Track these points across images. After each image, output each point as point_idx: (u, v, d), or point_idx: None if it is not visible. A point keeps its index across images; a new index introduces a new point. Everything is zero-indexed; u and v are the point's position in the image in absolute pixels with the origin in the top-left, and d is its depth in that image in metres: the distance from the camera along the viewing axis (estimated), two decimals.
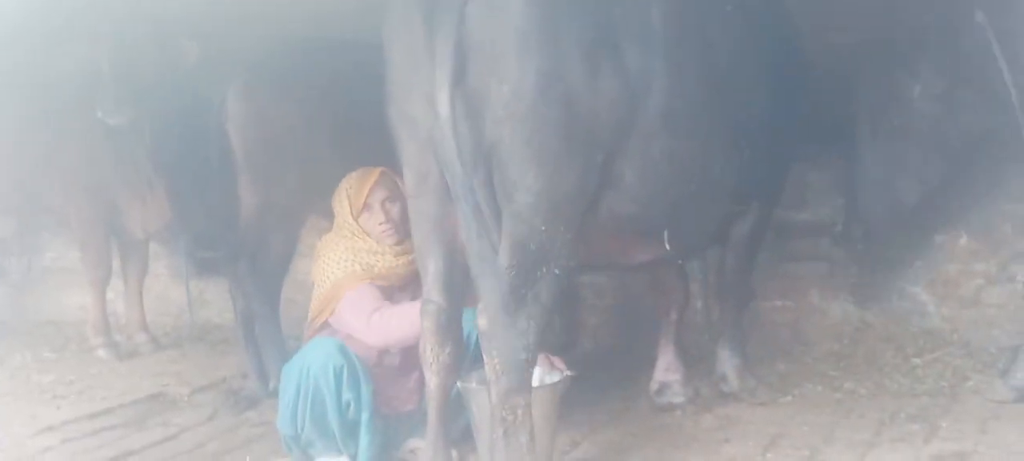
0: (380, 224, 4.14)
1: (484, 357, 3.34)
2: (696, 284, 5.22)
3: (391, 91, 3.50)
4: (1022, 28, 3.96)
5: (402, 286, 4.16)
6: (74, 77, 5.44)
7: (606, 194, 3.45)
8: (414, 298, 3.95)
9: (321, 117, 4.82)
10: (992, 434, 3.96)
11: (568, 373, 3.92)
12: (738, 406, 4.50)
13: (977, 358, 4.88)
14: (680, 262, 4.48)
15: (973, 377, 4.65)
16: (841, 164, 5.13)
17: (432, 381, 3.63)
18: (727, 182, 3.91)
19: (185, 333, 6.44)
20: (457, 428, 3.91)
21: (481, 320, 3.30)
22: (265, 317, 5.00)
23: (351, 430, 3.91)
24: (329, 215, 4.36)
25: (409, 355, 3.98)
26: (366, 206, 4.16)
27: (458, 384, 3.74)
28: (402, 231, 4.10)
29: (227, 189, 4.94)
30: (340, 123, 4.79)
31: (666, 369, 4.57)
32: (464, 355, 3.76)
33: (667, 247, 3.80)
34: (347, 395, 3.86)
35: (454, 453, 3.86)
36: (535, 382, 3.51)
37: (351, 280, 4.07)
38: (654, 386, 4.58)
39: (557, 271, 3.28)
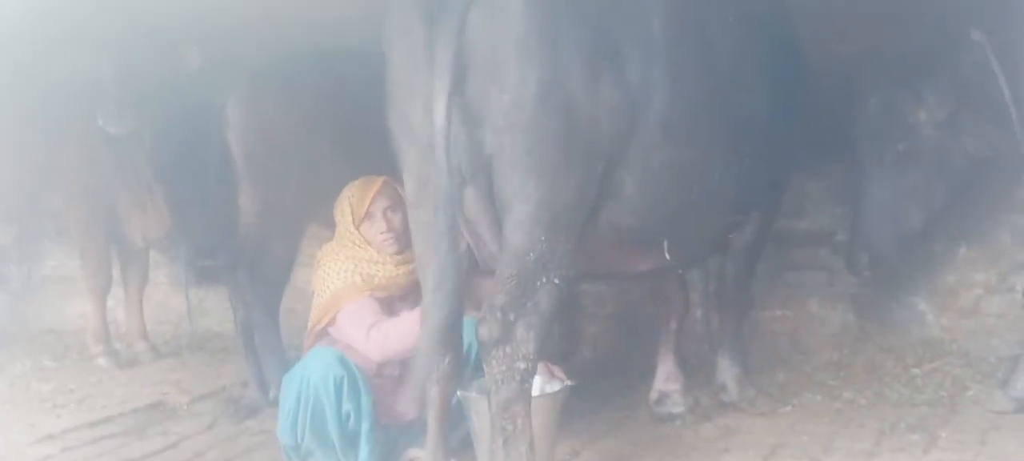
0: (382, 233, 4.14)
1: (484, 366, 3.33)
2: (696, 293, 5.21)
3: (392, 98, 3.50)
4: (1021, 41, 3.96)
5: (403, 296, 4.16)
6: (75, 84, 5.44)
7: (606, 204, 3.45)
8: (414, 308, 3.95)
9: (322, 125, 4.82)
10: (991, 444, 3.96)
11: (568, 382, 3.92)
12: (738, 416, 4.50)
13: (976, 368, 4.87)
14: (680, 271, 4.48)
15: (972, 387, 4.65)
16: (840, 174, 5.12)
17: (432, 390, 3.62)
18: (727, 192, 3.91)
19: (185, 342, 6.42)
20: (457, 438, 3.90)
21: (481, 329, 3.29)
22: (265, 326, 4.98)
23: (351, 440, 3.92)
24: (330, 224, 4.36)
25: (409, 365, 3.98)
26: (368, 215, 4.16)
27: (458, 393, 3.74)
28: (403, 241, 4.10)
29: (227, 197, 4.94)
30: (341, 131, 4.79)
31: (666, 379, 4.56)
32: (464, 364, 3.75)
33: (667, 256, 3.80)
34: (347, 406, 3.87)
35: None
36: (535, 391, 3.51)
37: (351, 292, 4.06)
38: (654, 395, 4.57)
39: (557, 280, 3.28)
